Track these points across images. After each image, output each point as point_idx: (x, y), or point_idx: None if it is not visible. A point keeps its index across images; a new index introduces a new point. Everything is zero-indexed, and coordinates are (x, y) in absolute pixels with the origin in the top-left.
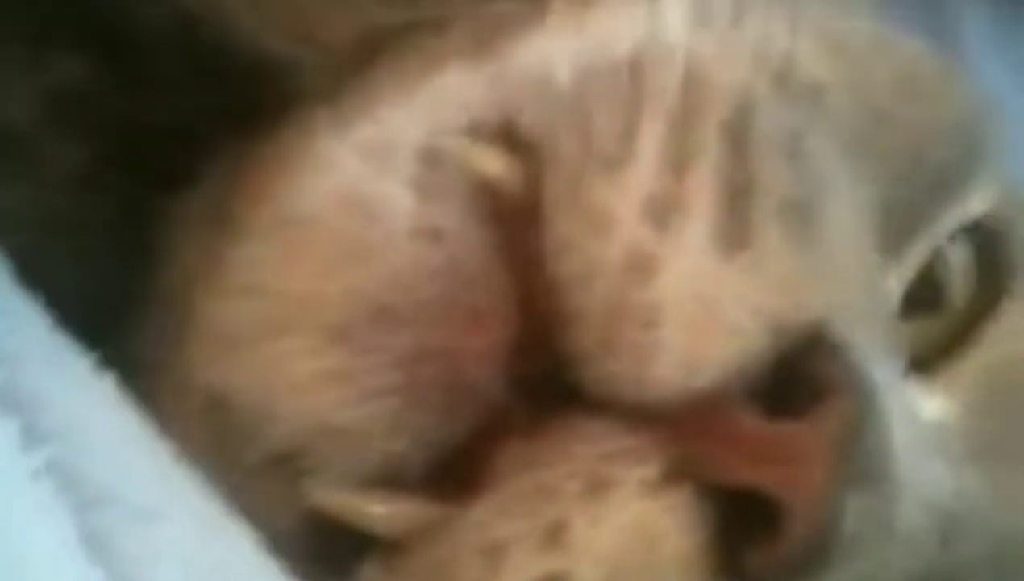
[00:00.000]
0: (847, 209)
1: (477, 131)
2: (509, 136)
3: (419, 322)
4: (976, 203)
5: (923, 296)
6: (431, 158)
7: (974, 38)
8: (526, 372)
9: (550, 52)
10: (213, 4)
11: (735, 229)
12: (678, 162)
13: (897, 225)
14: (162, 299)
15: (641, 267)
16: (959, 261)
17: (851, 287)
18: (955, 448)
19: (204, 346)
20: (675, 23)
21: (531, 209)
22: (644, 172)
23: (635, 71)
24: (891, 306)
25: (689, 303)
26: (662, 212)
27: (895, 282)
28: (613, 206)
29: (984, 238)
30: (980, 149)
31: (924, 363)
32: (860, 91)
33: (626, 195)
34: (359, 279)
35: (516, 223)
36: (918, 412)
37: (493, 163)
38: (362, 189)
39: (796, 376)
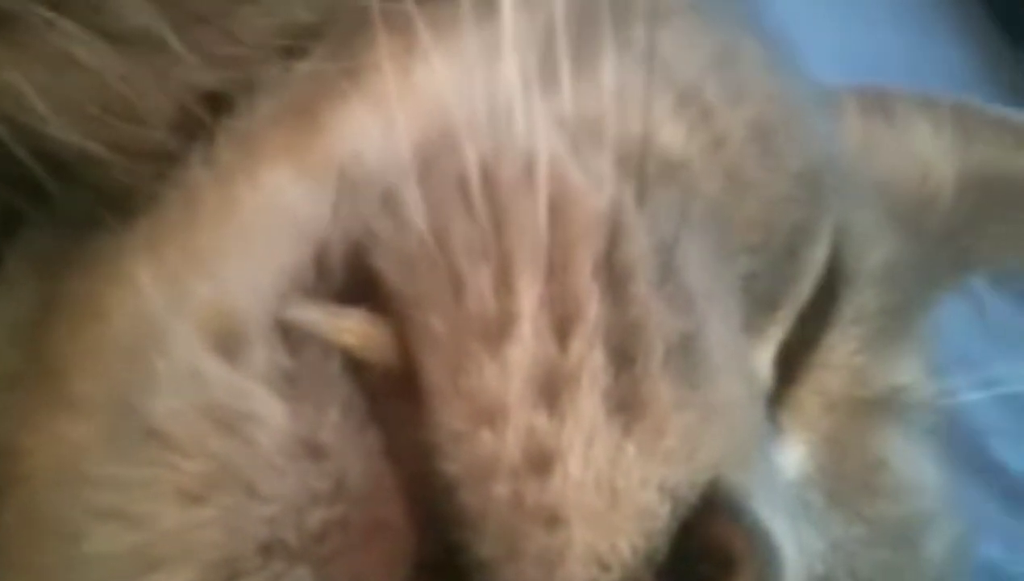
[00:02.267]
0: (719, 316)
1: (325, 276)
2: (363, 290)
3: (310, 550)
4: (826, 243)
5: None
6: (289, 337)
7: None
8: None
9: (385, 155)
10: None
11: (626, 394)
12: (559, 321)
13: (761, 300)
14: None
15: (539, 461)
16: None
17: (737, 411)
18: (817, 501)
19: (53, 557)
20: (516, 88)
21: (407, 381)
22: (527, 341)
23: (490, 188)
24: (763, 387)
25: (592, 493)
26: (551, 389)
27: (764, 357)
28: (500, 389)
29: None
30: (826, 191)
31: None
32: (717, 159)
33: (512, 373)
34: (238, 508)
35: (395, 407)
36: (782, 474)
37: (356, 332)
38: (223, 397)
39: (694, 543)
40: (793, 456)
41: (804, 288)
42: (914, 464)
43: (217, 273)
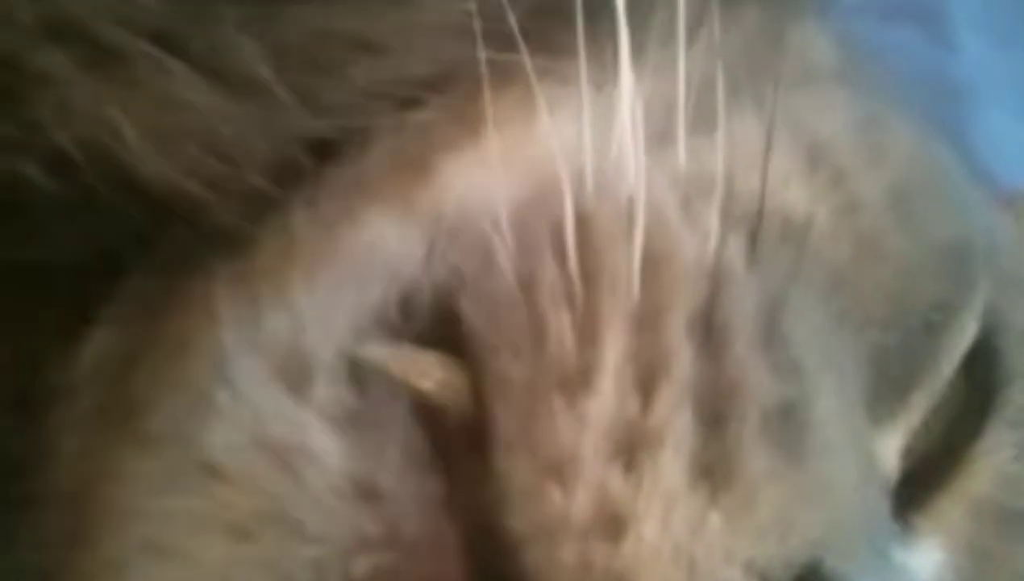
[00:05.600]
0: (832, 388)
1: (409, 317)
2: (445, 333)
3: None
4: (972, 327)
5: None
6: (358, 376)
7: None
8: None
9: (485, 203)
10: (100, 139)
11: (714, 459)
12: (644, 377)
13: (891, 381)
14: (54, 496)
15: (611, 523)
16: None
17: (846, 493)
18: None
19: None
20: (626, 145)
21: (478, 430)
22: (607, 395)
23: (586, 243)
24: (885, 477)
25: (668, 563)
26: (631, 447)
27: (891, 444)
28: (575, 444)
29: (971, 353)
30: (976, 266)
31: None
32: (848, 223)
33: (589, 428)
34: (285, 548)
35: (461, 456)
36: (912, 579)
37: (430, 374)
38: (281, 432)
39: None
40: (928, 562)
41: (942, 374)
42: None
43: (295, 307)
